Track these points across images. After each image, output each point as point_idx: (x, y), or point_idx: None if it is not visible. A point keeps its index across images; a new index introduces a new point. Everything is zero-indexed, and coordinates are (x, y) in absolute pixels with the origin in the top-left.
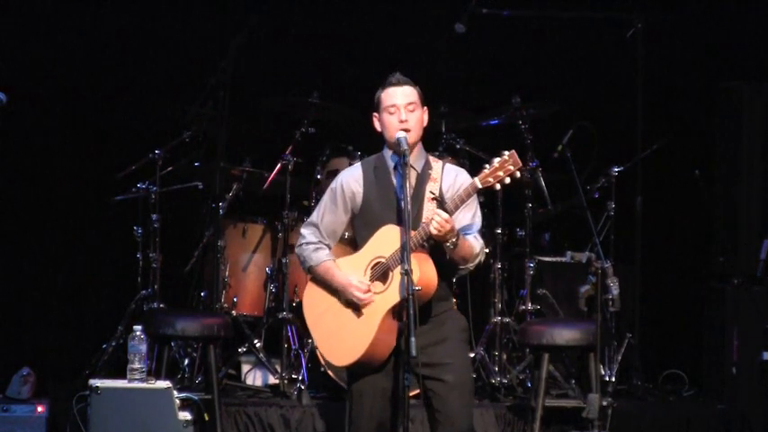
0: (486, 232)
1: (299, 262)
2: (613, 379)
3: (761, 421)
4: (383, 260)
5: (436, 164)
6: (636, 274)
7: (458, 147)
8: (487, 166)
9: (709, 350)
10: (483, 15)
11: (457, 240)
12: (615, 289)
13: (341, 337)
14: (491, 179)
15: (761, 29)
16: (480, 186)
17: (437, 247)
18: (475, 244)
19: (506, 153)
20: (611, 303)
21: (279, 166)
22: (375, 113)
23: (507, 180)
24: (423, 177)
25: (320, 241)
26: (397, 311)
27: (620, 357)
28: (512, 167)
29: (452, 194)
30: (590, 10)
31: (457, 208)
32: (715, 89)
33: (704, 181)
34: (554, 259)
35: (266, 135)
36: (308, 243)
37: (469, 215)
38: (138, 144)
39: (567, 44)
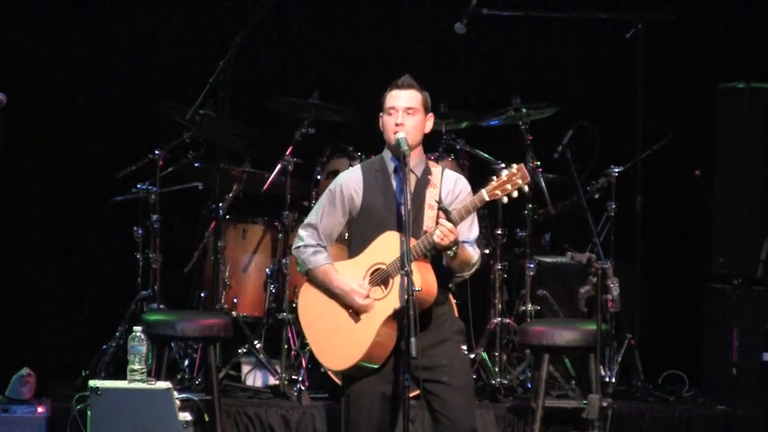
0: (486, 232)
1: (296, 264)
2: (613, 380)
3: (761, 422)
4: (383, 267)
5: (436, 169)
6: (636, 274)
7: (458, 147)
8: (495, 178)
9: (710, 351)
10: (483, 16)
11: (457, 249)
12: (615, 289)
13: (337, 340)
14: (498, 192)
15: (760, 29)
16: (488, 199)
17: (436, 255)
18: (473, 253)
19: (515, 166)
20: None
21: (279, 166)
22: (380, 113)
23: (515, 194)
24: (422, 182)
25: (318, 244)
26: (397, 316)
27: (620, 358)
28: (520, 181)
29: (451, 200)
30: (590, 10)
31: (462, 219)
32: (715, 89)
33: (704, 181)
34: (554, 260)
35: (266, 135)
36: (305, 246)
37: (467, 226)
38: (138, 144)
39: (567, 44)
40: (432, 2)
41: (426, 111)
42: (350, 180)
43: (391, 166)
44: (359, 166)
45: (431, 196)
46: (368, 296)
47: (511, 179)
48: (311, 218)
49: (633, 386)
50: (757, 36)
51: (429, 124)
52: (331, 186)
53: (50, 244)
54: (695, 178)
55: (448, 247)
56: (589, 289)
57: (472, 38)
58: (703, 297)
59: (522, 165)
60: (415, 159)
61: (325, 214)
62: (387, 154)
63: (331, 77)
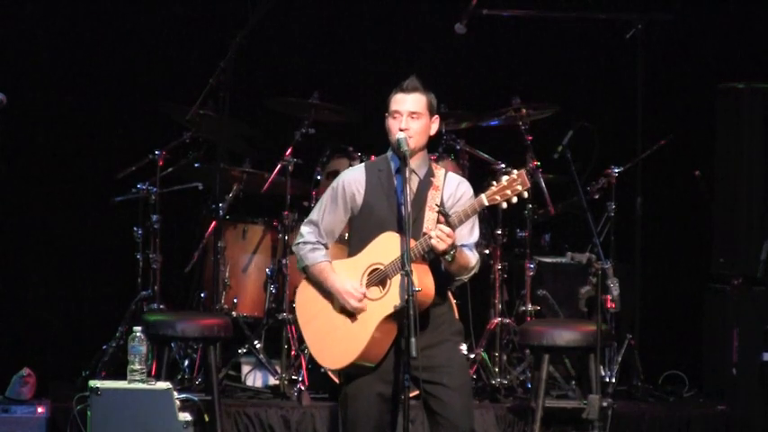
0: (486, 233)
1: (296, 260)
2: (613, 380)
3: (761, 422)
4: (381, 267)
5: (439, 171)
6: (636, 274)
7: (458, 147)
8: (495, 183)
9: (710, 351)
10: (483, 16)
11: (455, 253)
12: (615, 289)
13: (333, 339)
14: (498, 197)
15: (760, 29)
16: (487, 204)
17: (435, 258)
18: (471, 257)
19: (515, 172)
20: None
21: (279, 166)
22: (386, 113)
23: (514, 199)
24: (425, 184)
25: (318, 241)
26: (395, 316)
27: (620, 358)
28: (519, 187)
29: (453, 203)
30: (590, 10)
31: (461, 223)
32: (715, 89)
33: (704, 181)
34: (554, 260)
35: (266, 135)
36: (305, 242)
37: (467, 229)
38: (138, 144)
39: (567, 44)
40: (432, 2)
41: (431, 113)
42: (352, 178)
43: (394, 166)
44: (362, 165)
45: (432, 198)
46: (362, 299)
47: (511, 185)
48: (313, 214)
49: (633, 386)
50: (757, 36)
51: (434, 126)
52: (333, 184)
53: (50, 244)
54: (695, 178)
55: (445, 252)
56: (589, 289)
57: (472, 38)
58: (703, 297)
59: (523, 171)
60: (419, 161)
61: (327, 211)
62: (390, 154)
63: (331, 77)
